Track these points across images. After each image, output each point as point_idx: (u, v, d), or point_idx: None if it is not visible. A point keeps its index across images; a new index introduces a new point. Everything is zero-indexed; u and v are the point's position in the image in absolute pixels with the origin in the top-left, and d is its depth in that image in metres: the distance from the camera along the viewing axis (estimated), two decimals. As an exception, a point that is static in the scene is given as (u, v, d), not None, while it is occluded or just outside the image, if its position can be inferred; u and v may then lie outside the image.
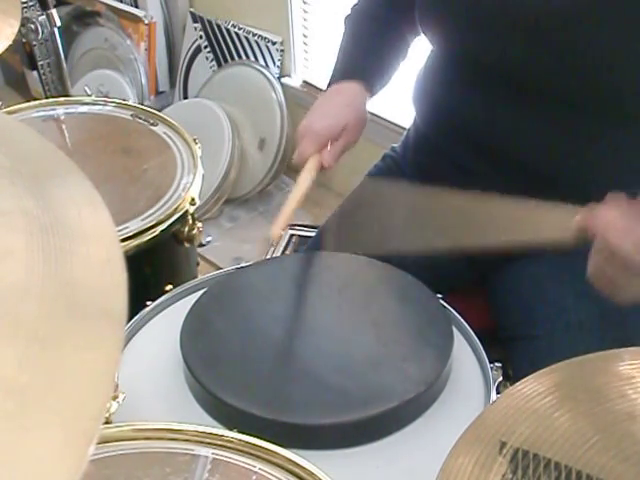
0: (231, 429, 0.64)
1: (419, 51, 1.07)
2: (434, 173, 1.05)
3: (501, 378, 0.74)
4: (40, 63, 2.54)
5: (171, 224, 1.00)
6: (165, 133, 1.18)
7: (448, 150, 0.99)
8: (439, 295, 0.83)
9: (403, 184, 1.09)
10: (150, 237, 0.97)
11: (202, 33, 2.35)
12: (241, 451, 0.61)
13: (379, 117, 1.90)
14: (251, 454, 0.61)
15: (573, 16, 0.82)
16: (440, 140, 1.01)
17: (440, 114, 1.00)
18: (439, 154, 1.02)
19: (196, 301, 0.83)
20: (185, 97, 2.46)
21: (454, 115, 0.97)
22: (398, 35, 1.05)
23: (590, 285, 0.94)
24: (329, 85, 1.02)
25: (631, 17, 0.80)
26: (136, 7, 2.43)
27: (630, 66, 0.83)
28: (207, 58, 2.36)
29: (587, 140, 0.89)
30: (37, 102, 1.26)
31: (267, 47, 2.21)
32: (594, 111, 0.87)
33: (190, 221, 1.04)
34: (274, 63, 2.21)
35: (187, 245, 1.06)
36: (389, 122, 1.90)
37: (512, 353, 0.96)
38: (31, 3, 2.36)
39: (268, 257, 1.62)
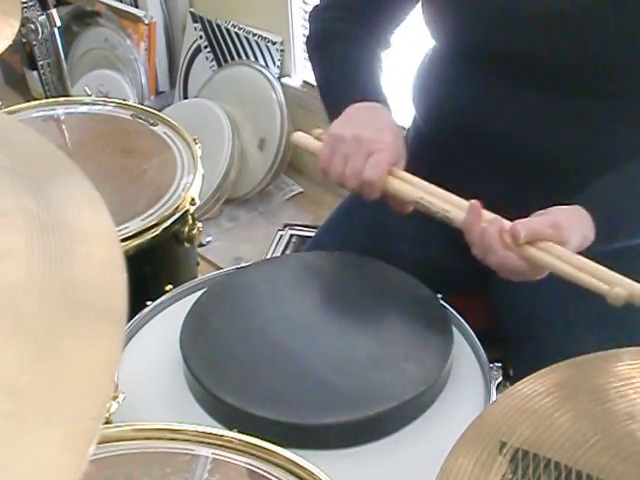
0: (231, 429, 0.64)
1: (415, 49, 1.07)
2: (434, 173, 1.04)
3: (501, 378, 0.74)
4: (40, 63, 2.54)
5: (171, 224, 1.00)
6: (165, 133, 1.18)
7: (449, 148, 0.99)
8: (439, 295, 0.83)
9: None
10: (150, 237, 0.97)
11: (202, 33, 2.35)
12: (241, 451, 0.61)
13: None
14: (251, 454, 0.61)
15: (584, 5, 0.81)
16: (441, 138, 1.01)
17: (441, 111, 0.99)
18: (439, 153, 1.01)
19: (196, 301, 0.83)
20: (185, 97, 2.46)
21: (455, 111, 0.96)
22: (372, 49, 1.01)
23: None
24: (336, 108, 0.92)
25: None
26: (136, 7, 2.43)
27: None
28: (207, 58, 2.36)
29: (595, 135, 0.88)
30: (37, 102, 1.26)
31: (267, 47, 2.21)
32: (602, 104, 0.86)
33: (190, 221, 1.04)
34: (274, 63, 2.21)
35: (187, 245, 1.06)
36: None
37: (513, 353, 0.96)
38: (31, 3, 2.36)
39: (268, 257, 1.62)
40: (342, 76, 0.99)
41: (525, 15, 0.85)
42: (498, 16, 0.87)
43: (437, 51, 1.00)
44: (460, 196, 1.02)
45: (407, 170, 1.11)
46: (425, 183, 0.85)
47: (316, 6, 1.06)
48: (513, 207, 0.96)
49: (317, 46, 1.03)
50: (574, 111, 0.87)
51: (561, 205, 0.92)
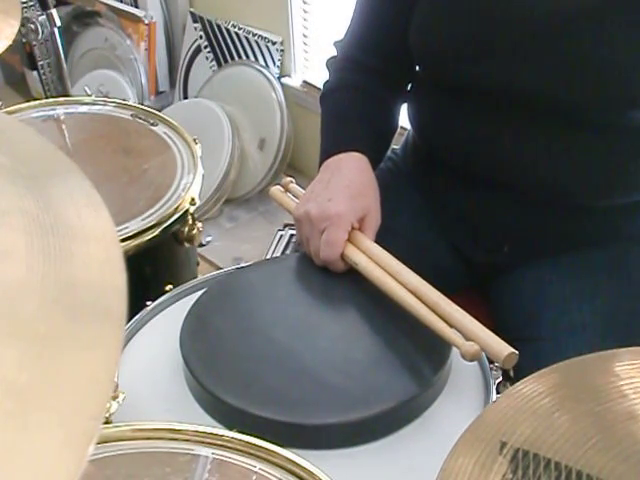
0: (231, 429, 0.64)
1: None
2: (432, 179, 1.05)
3: (501, 378, 0.74)
4: (40, 63, 2.54)
5: (171, 224, 1.00)
6: (165, 133, 1.18)
7: (445, 162, 1.00)
8: (439, 295, 0.83)
9: (403, 186, 1.09)
10: (150, 237, 0.96)
11: (202, 33, 2.35)
12: (241, 451, 0.61)
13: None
14: (251, 454, 0.61)
15: (574, 31, 0.82)
16: (437, 153, 1.01)
17: (434, 137, 1.00)
18: (436, 163, 1.02)
19: (196, 301, 0.83)
20: (185, 97, 2.46)
21: (450, 139, 0.97)
22: (379, 100, 1.02)
23: (593, 286, 0.94)
24: (325, 159, 0.94)
25: (631, 25, 0.80)
26: (136, 7, 2.43)
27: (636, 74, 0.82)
28: (207, 58, 2.36)
29: (589, 154, 0.89)
30: (37, 102, 1.26)
31: (267, 47, 2.21)
32: (597, 125, 0.86)
33: (190, 221, 1.04)
34: (274, 63, 2.21)
35: (187, 245, 1.06)
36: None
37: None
38: (31, 3, 2.36)
39: (268, 257, 1.62)
40: (331, 126, 1.00)
41: (511, 48, 0.85)
42: (477, 46, 0.87)
43: (425, 78, 1.00)
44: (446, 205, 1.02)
45: (409, 172, 1.12)
46: (378, 251, 0.85)
47: (333, 56, 1.07)
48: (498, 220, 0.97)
49: (325, 94, 1.05)
50: (568, 134, 0.88)
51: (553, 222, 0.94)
